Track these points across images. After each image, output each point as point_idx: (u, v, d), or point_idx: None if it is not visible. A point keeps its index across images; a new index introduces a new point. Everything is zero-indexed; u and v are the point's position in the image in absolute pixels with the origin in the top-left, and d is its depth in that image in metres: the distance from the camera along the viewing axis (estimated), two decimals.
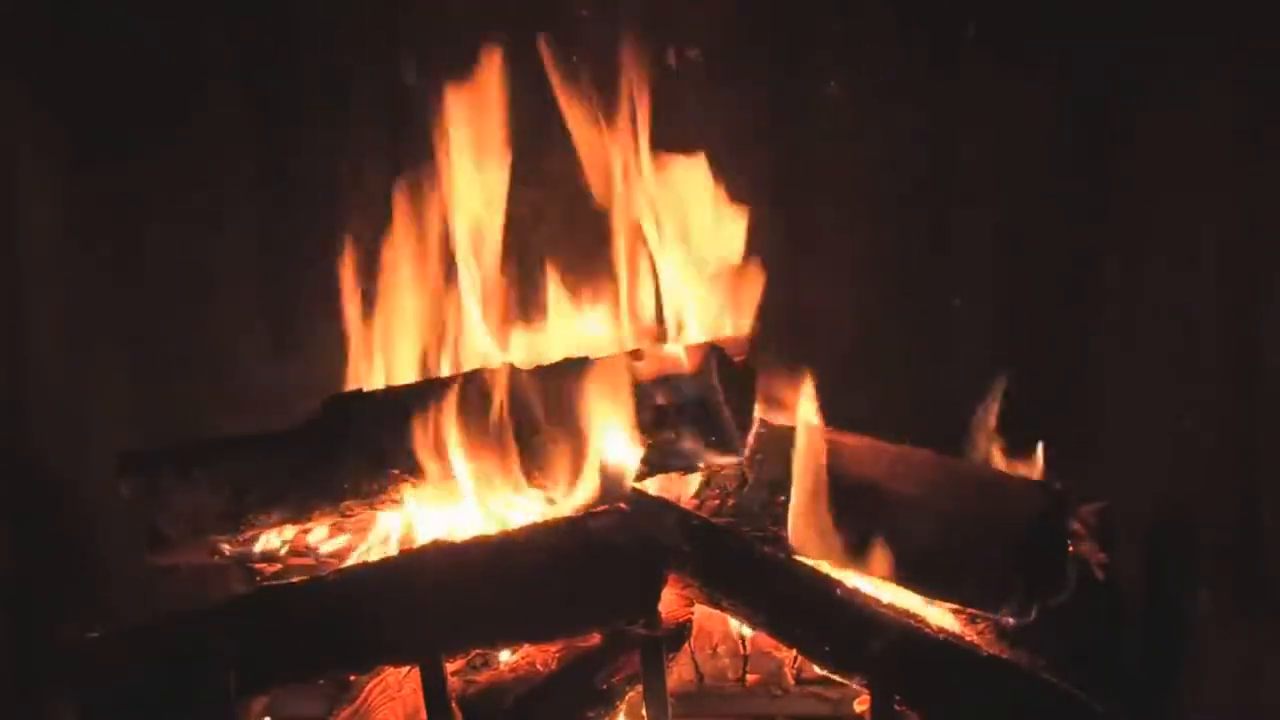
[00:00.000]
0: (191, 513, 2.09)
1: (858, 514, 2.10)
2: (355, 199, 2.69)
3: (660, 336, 2.44)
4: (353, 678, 2.04)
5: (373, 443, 2.12)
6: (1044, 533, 2.05)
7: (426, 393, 2.16)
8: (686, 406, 2.14)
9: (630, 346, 2.37)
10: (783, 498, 2.16)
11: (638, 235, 2.48)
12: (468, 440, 2.11)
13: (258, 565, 2.25)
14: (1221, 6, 2.58)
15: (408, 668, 1.97)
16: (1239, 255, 2.63)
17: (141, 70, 2.68)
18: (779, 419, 2.26)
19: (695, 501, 2.27)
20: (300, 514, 2.14)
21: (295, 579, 2.02)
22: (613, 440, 2.11)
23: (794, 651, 2.13)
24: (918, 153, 2.75)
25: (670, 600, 2.04)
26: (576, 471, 2.10)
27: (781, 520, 2.14)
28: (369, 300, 2.50)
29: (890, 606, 2.03)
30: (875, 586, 2.09)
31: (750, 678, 2.24)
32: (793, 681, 2.23)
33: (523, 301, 2.54)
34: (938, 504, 2.10)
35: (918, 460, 2.15)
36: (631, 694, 2.00)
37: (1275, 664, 2.43)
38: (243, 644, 1.82)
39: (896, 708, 1.92)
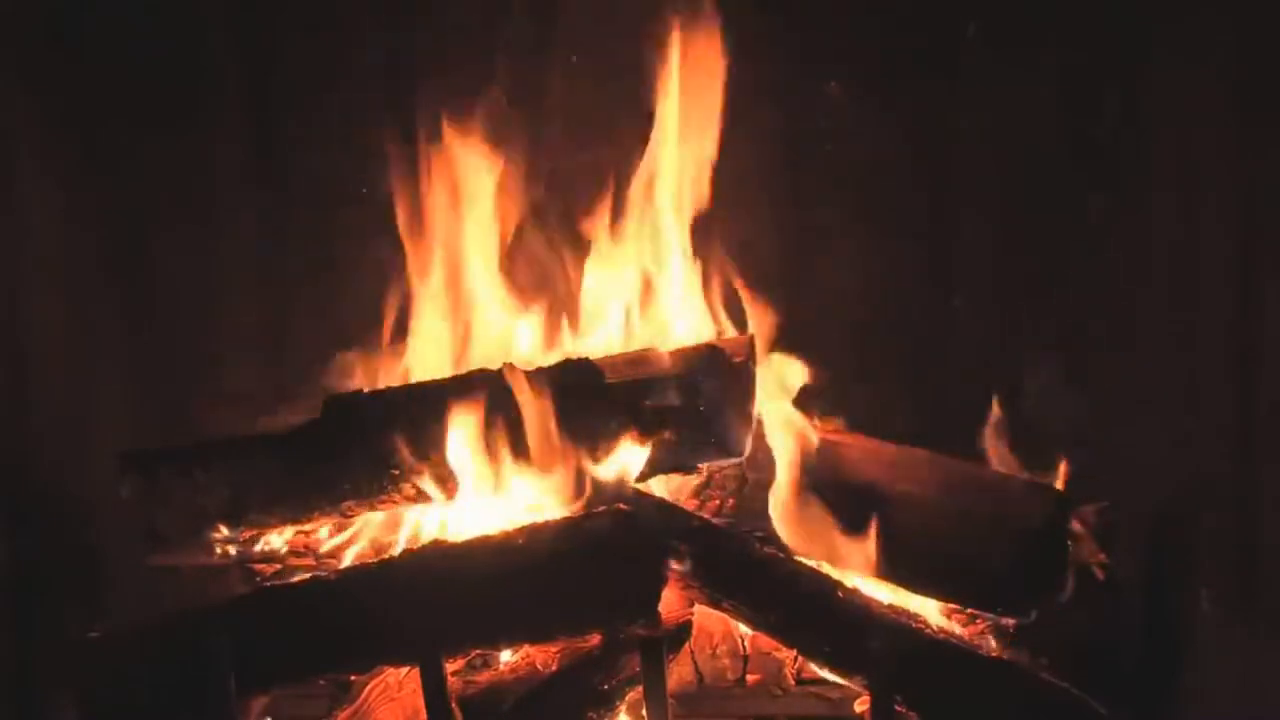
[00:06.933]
0: (191, 513, 2.09)
1: (858, 514, 2.10)
2: (355, 199, 2.70)
3: (663, 337, 2.44)
4: (353, 678, 2.04)
5: (373, 443, 2.12)
6: (1044, 533, 2.05)
7: (426, 393, 2.16)
8: (687, 407, 2.14)
9: (632, 348, 2.37)
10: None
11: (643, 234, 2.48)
12: (467, 441, 2.11)
13: (258, 565, 2.25)
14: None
15: (408, 668, 1.97)
16: (1239, 255, 2.63)
17: (142, 72, 2.68)
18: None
19: (695, 501, 2.27)
20: (300, 514, 2.14)
21: (295, 579, 2.02)
22: (613, 441, 2.11)
23: (794, 651, 2.13)
24: (917, 152, 2.75)
25: (670, 600, 2.04)
26: (576, 472, 2.10)
27: None
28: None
29: (890, 606, 2.03)
30: (875, 586, 2.09)
31: (750, 678, 2.24)
32: (793, 681, 2.23)
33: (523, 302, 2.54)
34: (937, 504, 2.10)
35: (918, 460, 2.15)
36: (631, 694, 2.00)
37: (1275, 664, 2.43)
38: (243, 644, 1.82)
39: (896, 708, 1.92)
